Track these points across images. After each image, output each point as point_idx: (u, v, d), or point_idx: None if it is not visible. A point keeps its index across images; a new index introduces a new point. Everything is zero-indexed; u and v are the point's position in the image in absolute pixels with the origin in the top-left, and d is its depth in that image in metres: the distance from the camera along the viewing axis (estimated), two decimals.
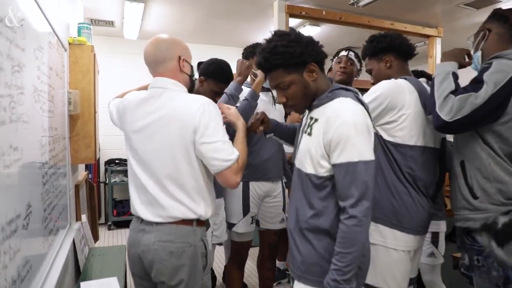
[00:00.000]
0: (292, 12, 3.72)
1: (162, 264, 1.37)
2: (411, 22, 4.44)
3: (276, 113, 2.23)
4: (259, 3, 3.84)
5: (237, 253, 2.27)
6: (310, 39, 1.24)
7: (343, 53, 2.36)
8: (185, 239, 1.38)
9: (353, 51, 2.38)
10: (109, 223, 5.11)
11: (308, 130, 1.26)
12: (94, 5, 3.84)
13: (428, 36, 4.70)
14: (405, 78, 1.60)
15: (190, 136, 1.34)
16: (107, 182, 5.14)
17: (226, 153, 1.33)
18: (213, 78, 1.94)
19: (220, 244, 2.38)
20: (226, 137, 1.37)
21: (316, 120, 1.24)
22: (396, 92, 1.53)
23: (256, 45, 2.25)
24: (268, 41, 1.24)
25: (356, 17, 4.03)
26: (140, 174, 1.42)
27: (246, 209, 2.18)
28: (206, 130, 1.32)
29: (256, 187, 2.20)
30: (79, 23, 2.72)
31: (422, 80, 1.69)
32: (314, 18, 3.97)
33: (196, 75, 2.58)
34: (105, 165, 5.28)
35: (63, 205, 2.09)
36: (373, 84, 1.67)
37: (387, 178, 1.58)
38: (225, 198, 2.27)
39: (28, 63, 1.27)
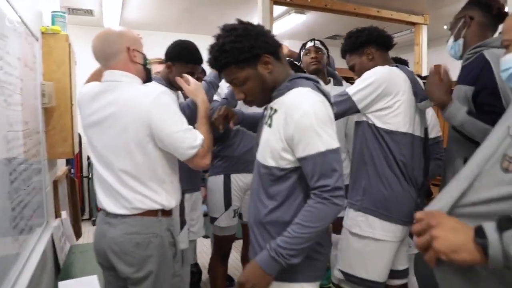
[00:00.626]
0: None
1: (130, 256, 1.38)
2: (397, 10, 4.40)
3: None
4: None
5: (219, 247, 2.22)
6: (259, 31, 1.18)
7: (309, 44, 2.37)
8: (151, 230, 1.39)
9: (318, 40, 2.39)
10: (93, 218, 5.01)
11: (269, 122, 1.22)
12: None
13: (414, 24, 4.67)
14: (396, 66, 1.60)
15: (145, 130, 1.34)
16: (90, 176, 5.03)
17: (189, 141, 1.34)
18: (180, 61, 1.83)
19: (206, 237, 2.33)
20: (185, 122, 1.36)
21: (275, 110, 1.20)
22: (391, 78, 1.53)
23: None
24: (216, 37, 1.19)
25: (341, 5, 3.96)
26: (100, 168, 1.42)
27: (228, 203, 2.13)
28: (163, 123, 1.32)
29: (238, 180, 2.15)
30: (52, 11, 2.59)
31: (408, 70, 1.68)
32: (299, 6, 3.90)
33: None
34: (88, 159, 5.15)
35: (38, 203, 2.01)
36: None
37: (378, 167, 1.56)
38: (207, 192, 2.21)
39: None
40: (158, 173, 1.40)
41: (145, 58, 1.49)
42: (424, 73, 4.68)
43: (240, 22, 1.20)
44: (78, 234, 3.24)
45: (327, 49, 2.44)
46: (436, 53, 5.82)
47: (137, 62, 1.43)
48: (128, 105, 1.34)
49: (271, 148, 1.19)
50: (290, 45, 6.08)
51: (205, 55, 4.70)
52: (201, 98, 1.53)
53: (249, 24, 1.19)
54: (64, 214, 2.84)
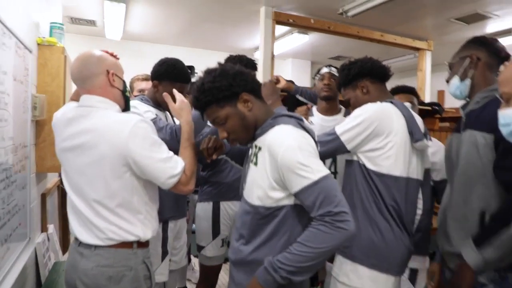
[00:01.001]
0: (279, 19, 3.62)
1: None
2: (401, 34, 4.38)
3: None
4: (246, 8, 3.72)
5: (206, 277, 2.13)
6: (237, 71, 1.22)
7: (325, 69, 2.30)
8: (124, 263, 1.32)
9: (334, 67, 2.33)
10: None
11: (254, 160, 1.23)
12: (73, 3, 3.68)
13: (418, 49, 4.64)
14: (391, 102, 1.50)
15: (122, 160, 1.28)
16: None
17: (169, 171, 1.30)
18: (167, 79, 1.77)
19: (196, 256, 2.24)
20: (165, 151, 1.32)
21: (260, 148, 1.21)
22: (383, 117, 1.43)
23: (237, 57, 2.17)
24: (198, 80, 1.24)
25: (345, 27, 3.94)
26: (73, 196, 1.35)
27: (216, 231, 2.03)
28: (142, 154, 1.27)
29: (228, 207, 2.06)
30: (51, 23, 2.55)
31: (407, 105, 1.57)
32: (302, 27, 3.88)
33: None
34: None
35: (20, 220, 1.93)
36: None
37: (369, 211, 1.46)
38: (195, 219, 2.13)
39: None
40: (133, 204, 1.33)
41: (124, 85, 1.43)
42: (427, 99, 4.63)
43: (219, 64, 1.27)
44: (66, 247, 3.15)
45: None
46: (439, 78, 5.79)
47: (116, 87, 1.37)
48: (104, 135, 1.28)
49: (257, 187, 1.18)
50: (293, 64, 6.10)
51: (202, 68, 4.64)
52: (185, 119, 1.46)
53: (227, 65, 1.25)
54: (51, 228, 2.76)
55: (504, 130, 0.97)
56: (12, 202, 1.77)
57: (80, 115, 1.33)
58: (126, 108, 1.43)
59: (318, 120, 2.24)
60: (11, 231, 1.76)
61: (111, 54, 1.44)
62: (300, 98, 2.55)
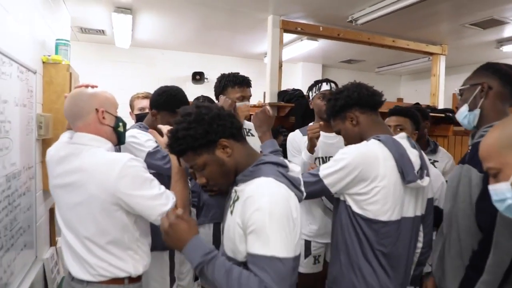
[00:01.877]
0: (287, 27, 3.56)
1: None
2: (414, 39, 4.26)
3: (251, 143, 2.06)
4: (254, 17, 3.68)
5: None
6: (215, 114, 1.13)
7: (325, 86, 2.17)
8: None
9: (334, 82, 2.21)
10: None
11: (231, 208, 1.16)
12: (82, 15, 3.70)
13: (431, 54, 4.51)
14: (379, 139, 1.39)
15: (112, 200, 1.27)
16: None
17: (160, 208, 1.27)
18: (166, 109, 1.75)
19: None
20: (155, 187, 1.30)
21: (238, 198, 1.13)
22: (368, 161, 1.34)
23: (223, 76, 2.09)
24: (174, 123, 1.15)
25: (355, 34, 3.85)
26: (65, 231, 1.36)
27: None
28: (132, 193, 1.26)
29: None
30: (57, 39, 2.56)
31: (402, 136, 1.47)
32: (311, 34, 3.81)
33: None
34: None
35: (25, 241, 1.94)
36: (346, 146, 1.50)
37: (351, 255, 1.38)
38: None
39: None
40: (124, 241, 1.33)
41: (117, 121, 1.42)
42: (441, 105, 4.51)
43: (197, 106, 1.16)
44: None
45: None
46: (454, 81, 5.64)
47: (107, 124, 1.38)
48: (93, 175, 1.27)
49: (228, 239, 1.13)
50: (304, 68, 6.03)
51: (212, 74, 4.62)
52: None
53: (204, 108, 1.14)
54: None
55: (499, 207, 0.89)
56: (16, 226, 1.78)
57: (71, 153, 1.33)
58: (119, 143, 1.43)
59: (320, 137, 2.16)
60: (15, 254, 1.78)
61: (92, 86, 1.44)
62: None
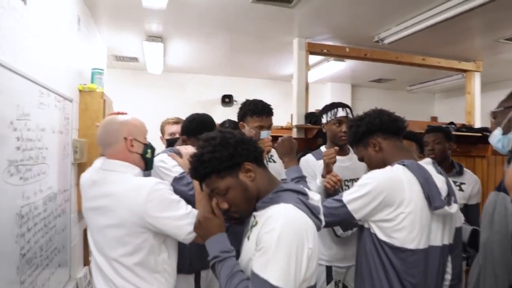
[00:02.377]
0: (313, 50, 3.59)
1: None
2: (446, 56, 4.15)
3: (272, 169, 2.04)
4: (279, 40, 3.74)
5: None
6: (239, 139, 1.15)
7: (341, 113, 2.10)
8: None
9: (349, 107, 2.16)
10: None
11: (249, 233, 1.15)
12: (116, 44, 3.92)
13: (465, 71, 4.37)
14: (403, 164, 1.36)
15: (141, 223, 1.33)
16: None
17: (187, 227, 1.32)
18: (196, 136, 1.77)
19: None
20: (182, 207, 1.35)
21: (256, 223, 1.12)
22: (393, 186, 1.30)
23: (245, 104, 2.11)
24: (197, 147, 1.17)
25: (382, 53, 3.82)
26: (95, 252, 1.42)
27: None
28: (159, 216, 1.32)
29: None
30: (92, 69, 2.73)
31: (427, 161, 1.42)
32: (337, 55, 3.82)
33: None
34: None
35: (60, 261, 2.03)
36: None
37: (377, 285, 1.33)
38: None
39: None
40: (151, 263, 1.37)
41: (145, 148, 1.49)
42: (478, 123, 4.33)
43: (220, 131, 1.19)
44: None
45: (352, 115, 2.19)
46: (491, 98, 5.41)
47: (135, 152, 1.45)
48: (122, 200, 1.33)
49: (246, 264, 1.11)
50: (333, 88, 6.01)
51: (241, 96, 4.67)
52: None
53: (228, 133, 1.17)
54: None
55: None
56: (51, 247, 1.86)
57: (102, 179, 1.41)
58: (147, 168, 1.49)
59: None
60: (50, 274, 1.85)
61: (122, 113, 1.54)
62: None
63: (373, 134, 1.48)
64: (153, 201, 1.31)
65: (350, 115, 2.12)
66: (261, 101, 2.04)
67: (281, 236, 0.99)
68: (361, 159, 1.57)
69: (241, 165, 1.13)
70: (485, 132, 3.81)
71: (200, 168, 1.13)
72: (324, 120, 2.17)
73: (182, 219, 1.33)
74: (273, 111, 2.09)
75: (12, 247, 1.38)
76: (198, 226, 1.21)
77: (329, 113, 2.15)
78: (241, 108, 2.09)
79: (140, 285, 1.35)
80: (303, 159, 2.17)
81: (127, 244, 1.34)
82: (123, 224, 1.32)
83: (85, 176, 1.53)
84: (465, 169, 2.43)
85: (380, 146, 1.47)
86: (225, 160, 1.11)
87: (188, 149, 1.66)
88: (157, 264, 1.39)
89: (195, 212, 1.37)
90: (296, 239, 1.01)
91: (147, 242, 1.35)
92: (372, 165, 1.49)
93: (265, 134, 2.00)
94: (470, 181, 2.36)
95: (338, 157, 2.05)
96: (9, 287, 1.36)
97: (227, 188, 1.13)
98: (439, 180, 1.35)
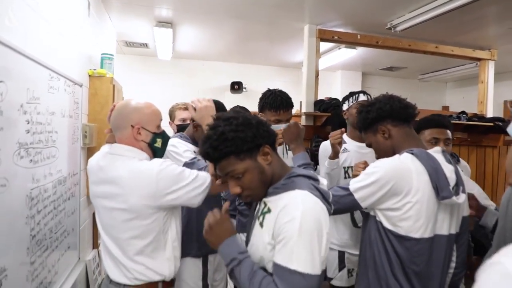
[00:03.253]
0: (324, 36, 3.54)
1: None
2: (460, 45, 4.06)
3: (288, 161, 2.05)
4: (290, 27, 3.69)
5: None
6: (259, 121, 1.13)
7: (363, 97, 2.14)
8: None
9: (369, 95, 2.18)
10: None
11: (261, 219, 1.14)
12: (126, 30, 3.91)
13: (479, 59, 4.27)
14: (412, 153, 1.33)
15: (151, 204, 1.35)
16: None
17: (200, 188, 1.39)
18: None
19: None
20: (187, 174, 1.39)
21: (269, 210, 1.11)
22: (401, 175, 1.28)
23: (264, 95, 2.09)
24: (213, 127, 1.11)
25: (394, 41, 3.75)
26: (103, 234, 1.44)
27: None
28: (172, 189, 1.34)
29: None
30: (102, 54, 2.73)
31: (436, 150, 1.40)
32: (348, 42, 3.76)
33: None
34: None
35: (69, 243, 2.07)
36: (377, 159, 1.45)
37: (380, 273, 1.33)
38: None
39: (6, 125, 1.23)
40: (160, 243, 1.40)
41: (154, 137, 1.47)
42: (490, 113, 4.25)
43: (237, 112, 1.15)
44: None
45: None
46: (504, 88, 5.30)
47: (141, 140, 1.44)
48: (131, 186, 1.33)
49: (257, 250, 1.11)
50: (343, 76, 5.94)
51: (250, 83, 4.67)
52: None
53: (245, 114, 1.14)
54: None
55: None
56: (60, 229, 1.90)
57: (109, 163, 1.41)
58: (156, 156, 1.48)
59: (353, 147, 2.10)
60: (59, 256, 1.89)
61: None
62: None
63: (383, 121, 1.44)
64: (164, 179, 1.33)
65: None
66: (280, 95, 2.00)
67: (302, 225, 0.99)
68: (369, 145, 1.55)
69: (261, 147, 1.11)
70: (497, 122, 3.74)
71: (222, 147, 1.07)
72: (345, 107, 2.20)
73: (192, 184, 1.37)
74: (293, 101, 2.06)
75: (22, 228, 1.41)
76: (209, 232, 1.18)
77: (350, 99, 2.18)
78: (260, 99, 2.08)
79: (150, 265, 1.38)
80: (322, 144, 2.21)
81: (137, 227, 1.35)
82: (132, 208, 1.33)
83: (92, 161, 1.53)
84: (461, 159, 2.43)
85: (390, 133, 1.44)
86: (249, 141, 1.07)
87: (202, 102, 1.65)
88: (166, 242, 1.41)
89: (201, 173, 1.43)
90: (316, 226, 1.01)
91: (156, 221, 1.37)
92: (380, 152, 1.46)
93: (277, 127, 2.00)
94: (466, 170, 2.34)
95: (358, 143, 2.09)
96: (20, 267, 1.40)
97: (244, 171, 1.10)
98: (448, 170, 1.33)
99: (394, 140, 1.43)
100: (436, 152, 1.38)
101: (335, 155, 1.91)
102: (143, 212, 1.34)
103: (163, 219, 1.39)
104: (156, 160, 1.42)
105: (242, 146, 1.07)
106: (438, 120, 1.88)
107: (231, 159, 1.09)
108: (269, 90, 2.07)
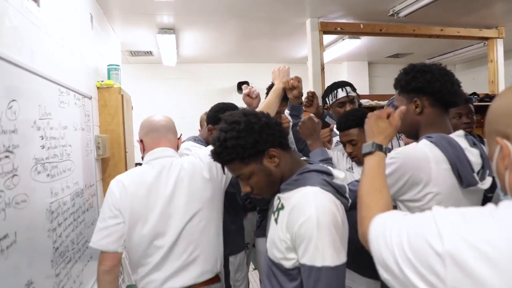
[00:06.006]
0: (326, 29, 3.52)
1: None
2: (465, 25, 3.98)
3: None
4: (292, 22, 3.68)
5: None
6: (264, 124, 1.10)
7: (341, 93, 2.12)
8: None
9: (349, 85, 2.16)
10: None
11: (276, 216, 1.14)
12: (130, 40, 3.96)
13: (486, 39, 4.19)
14: (430, 140, 1.23)
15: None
16: None
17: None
18: None
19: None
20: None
21: (282, 206, 1.12)
22: (417, 165, 1.19)
23: (268, 89, 2.13)
24: (219, 131, 1.12)
25: (398, 27, 3.70)
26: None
27: None
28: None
29: None
30: (108, 65, 2.77)
31: (459, 134, 1.29)
32: (351, 33, 3.73)
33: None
34: None
35: (91, 254, 2.11)
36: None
37: None
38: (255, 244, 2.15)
39: (22, 142, 1.26)
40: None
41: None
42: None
43: (244, 114, 1.13)
44: None
45: (355, 90, 2.22)
46: None
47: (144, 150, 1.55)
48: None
49: (277, 247, 1.11)
50: (349, 67, 5.90)
51: (257, 82, 4.67)
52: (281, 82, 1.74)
53: (252, 116, 1.12)
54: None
55: None
56: (81, 240, 1.94)
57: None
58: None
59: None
60: (83, 266, 1.93)
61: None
62: (329, 121, 2.41)
63: (424, 95, 1.30)
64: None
65: (351, 93, 2.15)
66: None
67: (319, 221, 1.00)
68: (396, 107, 1.33)
69: (265, 151, 1.10)
70: None
71: (224, 154, 1.10)
72: (328, 103, 2.23)
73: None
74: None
75: (45, 241, 1.45)
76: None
77: (330, 96, 2.19)
78: (266, 93, 2.13)
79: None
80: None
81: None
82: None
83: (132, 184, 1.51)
84: None
85: (423, 110, 1.31)
86: (250, 148, 1.08)
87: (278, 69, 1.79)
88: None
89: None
90: (332, 219, 1.02)
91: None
92: (405, 127, 1.33)
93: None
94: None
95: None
96: (46, 280, 1.43)
97: (250, 174, 1.12)
98: (473, 154, 1.25)
99: (423, 118, 1.31)
100: (458, 136, 1.29)
101: None
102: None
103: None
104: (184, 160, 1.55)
105: (243, 154, 1.08)
106: None
107: (235, 164, 1.12)
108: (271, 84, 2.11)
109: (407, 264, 0.67)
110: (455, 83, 1.31)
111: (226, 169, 1.20)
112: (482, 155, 1.27)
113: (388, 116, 1.13)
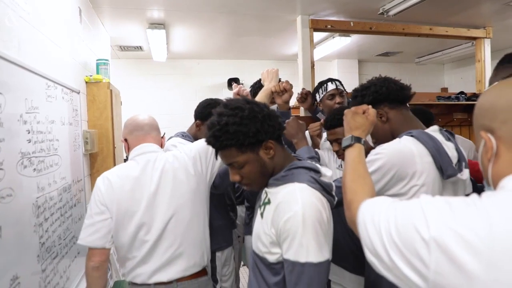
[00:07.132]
0: (317, 26, 3.53)
1: None
2: (454, 25, 4.03)
3: None
4: (283, 19, 3.68)
5: None
6: (266, 114, 1.11)
7: (331, 86, 2.20)
8: None
9: (338, 80, 2.25)
10: None
11: (262, 210, 1.15)
12: (120, 34, 3.91)
13: (474, 38, 4.25)
14: (411, 135, 1.30)
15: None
16: None
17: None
18: None
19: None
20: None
21: (269, 200, 1.13)
22: (403, 160, 1.25)
23: (254, 84, 2.17)
24: (219, 114, 1.10)
25: (388, 26, 3.73)
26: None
27: None
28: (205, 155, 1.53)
29: None
30: (97, 60, 2.74)
31: (434, 129, 1.37)
32: (341, 31, 3.75)
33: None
34: None
35: (79, 249, 2.09)
36: (375, 144, 1.44)
37: None
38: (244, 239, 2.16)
39: (8, 135, 1.25)
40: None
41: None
42: None
43: (247, 101, 1.13)
44: None
45: (342, 86, 2.30)
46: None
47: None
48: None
49: (261, 241, 1.12)
50: (339, 65, 5.93)
51: (247, 79, 4.74)
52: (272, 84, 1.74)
53: (255, 105, 1.12)
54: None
55: None
56: (68, 236, 1.92)
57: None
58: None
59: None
60: (69, 262, 1.92)
61: None
62: (320, 117, 2.43)
63: (380, 104, 1.40)
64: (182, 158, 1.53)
65: (340, 87, 2.21)
66: None
67: (305, 217, 1.01)
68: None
69: (263, 142, 1.10)
70: None
71: (223, 139, 1.07)
72: (318, 98, 2.27)
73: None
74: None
75: (31, 236, 1.43)
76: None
77: (320, 90, 2.24)
78: (252, 86, 2.20)
79: None
80: None
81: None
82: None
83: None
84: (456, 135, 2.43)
85: (387, 116, 1.40)
86: (251, 136, 1.07)
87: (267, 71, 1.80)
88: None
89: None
90: (317, 216, 1.03)
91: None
92: (379, 137, 1.44)
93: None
94: (464, 145, 2.33)
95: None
96: (32, 275, 1.42)
97: (244, 162, 1.11)
98: (449, 148, 1.32)
99: (392, 123, 1.41)
100: (434, 131, 1.37)
101: (315, 147, 1.98)
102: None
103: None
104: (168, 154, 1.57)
105: (244, 141, 1.07)
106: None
107: (232, 151, 1.10)
108: (258, 80, 2.12)
109: (394, 249, 0.69)
110: (396, 82, 1.45)
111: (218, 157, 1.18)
112: (457, 149, 1.36)
113: (364, 112, 1.18)
